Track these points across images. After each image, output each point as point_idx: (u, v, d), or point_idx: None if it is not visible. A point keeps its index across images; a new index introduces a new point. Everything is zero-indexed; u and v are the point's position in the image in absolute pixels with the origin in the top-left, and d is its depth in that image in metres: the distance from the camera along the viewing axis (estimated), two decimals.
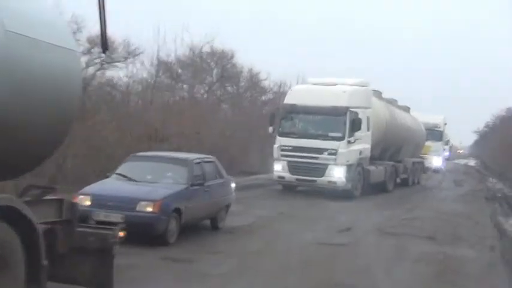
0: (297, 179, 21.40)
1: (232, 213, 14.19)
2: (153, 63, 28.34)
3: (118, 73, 27.45)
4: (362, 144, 21.88)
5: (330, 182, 20.94)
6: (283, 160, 21.52)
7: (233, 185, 13.91)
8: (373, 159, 23.50)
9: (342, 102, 21.08)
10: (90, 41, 25.94)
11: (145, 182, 11.75)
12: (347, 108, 21.04)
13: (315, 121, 21.64)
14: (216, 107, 33.40)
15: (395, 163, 25.62)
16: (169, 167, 12.21)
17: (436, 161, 41.80)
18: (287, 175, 21.47)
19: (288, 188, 22.21)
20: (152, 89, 27.35)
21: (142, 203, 10.77)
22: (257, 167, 28.38)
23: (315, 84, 22.60)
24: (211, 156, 13.54)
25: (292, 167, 21.32)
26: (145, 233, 10.65)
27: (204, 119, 26.71)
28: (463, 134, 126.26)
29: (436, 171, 41.29)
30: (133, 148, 17.65)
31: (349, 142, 21.02)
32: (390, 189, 24.70)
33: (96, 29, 25.58)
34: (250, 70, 37.42)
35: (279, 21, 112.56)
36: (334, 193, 20.89)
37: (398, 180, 26.94)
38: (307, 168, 21.08)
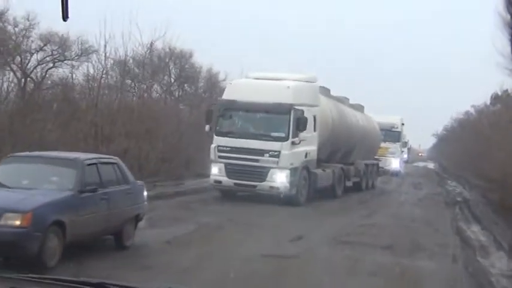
0: (235, 184, 19.15)
1: (175, 219, 13.32)
2: (99, 60, 26.61)
3: (73, 71, 26.90)
4: (308, 145, 19.76)
5: (271, 187, 18.79)
6: (221, 162, 19.26)
7: (145, 192, 11.56)
8: (320, 161, 21.45)
9: (285, 99, 18.93)
10: (43, 38, 26.17)
11: (20, 188, 9.30)
12: (291, 105, 18.90)
13: (256, 119, 19.48)
14: (174, 108, 32.03)
15: (344, 165, 23.57)
16: (54, 169, 9.80)
17: (393, 163, 40.39)
18: (224, 179, 19.22)
19: (226, 194, 19.95)
20: (99, 87, 25.56)
21: (8, 214, 8.34)
22: None
23: (256, 78, 20.38)
24: (113, 157, 11.17)
25: (230, 171, 19.10)
26: (12, 254, 8.26)
27: (157, 120, 25.42)
28: (422, 137, 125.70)
29: (394, 174, 39.82)
30: (74, 147, 17.44)
31: (293, 143, 18.87)
32: (339, 194, 22.66)
33: (48, 27, 25.76)
34: (210, 70, 36.64)
35: (240, 20, 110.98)
36: (278, 199, 18.77)
37: (350, 184, 24.99)
38: (247, 172, 18.89)
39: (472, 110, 48.41)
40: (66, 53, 27.00)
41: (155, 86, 33.02)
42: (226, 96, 19.90)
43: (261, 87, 19.45)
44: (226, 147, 19.21)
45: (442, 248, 13.38)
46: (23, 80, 25.75)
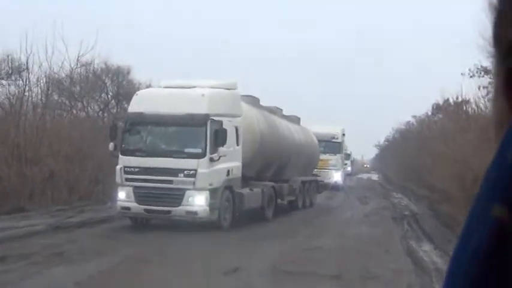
0: (146, 210, 16.26)
1: (95, 252, 11.98)
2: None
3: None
4: (230, 161, 17.08)
5: (188, 212, 15.99)
6: (128, 186, 16.35)
7: None
8: (248, 179, 18.85)
9: (200, 109, 16.22)
10: None
11: None
12: (207, 115, 16.20)
13: (167, 134, 16.77)
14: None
15: (276, 184, 20.94)
16: None
17: (335, 176, 38.03)
18: (133, 205, 16.31)
19: (137, 223, 17.05)
20: (20, 106, 23.94)
21: None
22: None
23: (167, 87, 17.60)
24: None
25: (140, 195, 16.22)
26: None
27: (88, 139, 23.81)
28: (364, 148, 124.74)
29: (336, 187, 37.39)
30: None
31: (211, 160, 16.14)
32: (269, 217, 19.95)
33: None
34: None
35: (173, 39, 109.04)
36: (198, 226, 16.02)
37: (285, 202, 22.46)
38: (159, 196, 16.07)
39: (413, 120, 47.52)
40: None
41: (92, 103, 31.73)
42: (132, 108, 17.04)
43: (172, 97, 16.69)
44: (134, 167, 16.34)
45: (395, 275, 11.57)
46: None
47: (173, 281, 10.50)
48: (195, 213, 15.93)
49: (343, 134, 39.86)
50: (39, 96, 26.19)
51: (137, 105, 16.84)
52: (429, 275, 11.51)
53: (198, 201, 15.92)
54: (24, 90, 24.75)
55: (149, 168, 16.14)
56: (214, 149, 16.17)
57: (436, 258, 13.43)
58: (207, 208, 15.97)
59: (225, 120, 16.73)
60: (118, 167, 16.58)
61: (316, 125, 34.66)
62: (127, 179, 16.35)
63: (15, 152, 21.40)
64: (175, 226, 16.46)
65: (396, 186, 45.82)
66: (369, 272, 11.67)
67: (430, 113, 40.79)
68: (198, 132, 16.17)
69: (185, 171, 15.90)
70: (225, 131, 16.40)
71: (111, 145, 16.81)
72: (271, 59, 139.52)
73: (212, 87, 17.17)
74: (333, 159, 37.55)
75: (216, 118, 16.34)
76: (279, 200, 21.38)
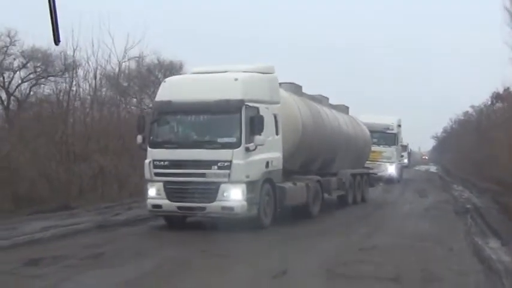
0: (179, 208, 14.82)
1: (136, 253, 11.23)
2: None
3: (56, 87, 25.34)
4: (269, 152, 15.50)
5: (224, 207, 14.46)
6: (158, 181, 14.93)
7: None
8: (291, 173, 17.26)
9: (233, 94, 14.70)
10: (25, 55, 25.35)
11: None
12: (242, 101, 14.65)
13: (199, 123, 15.23)
14: None
15: (323, 177, 19.25)
16: None
17: (389, 169, 36.28)
18: (165, 202, 14.89)
19: (172, 222, 15.67)
20: (68, 103, 23.93)
21: None
22: None
23: (197, 73, 16.11)
24: None
25: (171, 191, 14.82)
26: None
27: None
28: (421, 140, 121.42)
29: (390, 181, 35.59)
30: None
31: (247, 150, 14.57)
32: (314, 214, 18.24)
33: (29, 43, 25.14)
34: None
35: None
36: (236, 223, 14.60)
37: (333, 197, 20.84)
38: (192, 191, 14.63)
39: (471, 111, 46.74)
40: (49, 69, 25.78)
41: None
42: (160, 97, 15.58)
43: (202, 83, 15.18)
44: (164, 161, 14.92)
45: (461, 277, 10.07)
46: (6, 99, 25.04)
47: (218, 286, 9.39)
48: (232, 208, 14.38)
49: (399, 125, 37.86)
50: (88, 92, 26.11)
51: (165, 93, 15.38)
52: (499, 276, 9.87)
53: (234, 196, 14.38)
54: (71, 85, 24.55)
55: (180, 161, 14.69)
56: (250, 138, 14.58)
57: (505, 256, 11.72)
58: (245, 203, 14.41)
59: (261, 106, 15.17)
60: (146, 161, 15.17)
61: (369, 114, 33.45)
62: (156, 174, 14.92)
63: (63, 148, 21.37)
64: (215, 224, 15.10)
65: (456, 178, 43.83)
66: (432, 274, 10.15)
67: (489, 103, 39.64)
68: (231, 119, 14.62)
69: (219, 163, 14.38)
70: (262, 118, 14.86)
71: (139, 138, 15.35)
72: (320, 48, 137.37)
73: (246, 72, 15.57)
74: (388, 151, 35.90)
75: (251, 104, 14.79)
76: (326, 195, 19.69)
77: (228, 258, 11.48)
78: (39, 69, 25.96)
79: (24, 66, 25.58)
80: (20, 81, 25.58)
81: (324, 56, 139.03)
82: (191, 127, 15.22)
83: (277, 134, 16.06)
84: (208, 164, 14.44)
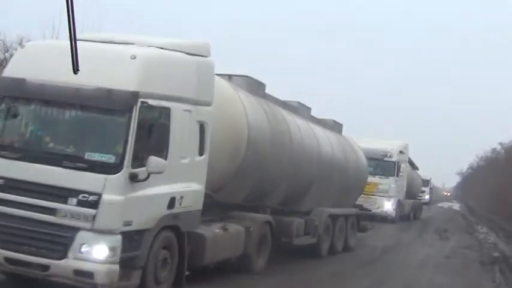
0: (7, 260, 8.83)
1: None
2: None
3: None
4: (180, 181, 9.60)
5: (79, 271, 8.52)
6: None
7: None
8: (229, 208, 11.49)
9: (123, 81, 8.76)
10: None
11: None
12: (135, 95, 8.68)
13: (61, 122, 9.19)
14: None
15: (281, 217, 13.44)
16: None
17: (385, 206, 30.19)
18: None
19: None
20: None
21: None
22: None
23: (83, 40, 9.91)
24: None
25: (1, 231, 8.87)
26: None
27: None
28: (446, 176, 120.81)
29: (385, 219, 29.66)
30: None
31: (133, 178, 8.61)
32: (257, 269, 12.52)
33: None
34: None
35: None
36: None
37: (305, 243, 15.10)
38: (32, 236, 8.70)
39: (499, 148, 45.05)
40: None
41: None
42: (10, 71, 9.52)
43: (82, 57, 9.07)
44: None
45: None
46: None
47: None
48: (90, 275, 8.44)
49: (401, 152, 31.55)
50: None
51: (19, 67, 9.38)
52: None
53: (97, 253, 8.45)
54: None
55: (20, 181, 8.74)
56: (141, 159, 8.64)
57: None
58: (114, 267, 8.48)
59: (175, 107, 9.29)
60: None
61: (370, 138, 28.85)
62: None
63: None
64: None
65: (481, 218, 41.75)
66: None
67: None
68: (113, 124, 8.74)
69: (81, 195, 8.45)
70: (166, 127, 8.96)
71: None
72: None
73: (154, 47, 9.53)
74: (384, 183, 29.87)
75: (153, 102, 8.84)
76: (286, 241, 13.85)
77: None
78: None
79: None
80: None
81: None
82: (48, 128, 9.20)
83: (201, 153, 10.14)
84: (63, 193, 8.52)
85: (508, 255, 19.58)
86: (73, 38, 3.70)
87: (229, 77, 12.38)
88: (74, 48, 3.67)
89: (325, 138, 16.71)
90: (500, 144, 43.98)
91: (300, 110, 16.09)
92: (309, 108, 17.00)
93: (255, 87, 13.26)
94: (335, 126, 18.85)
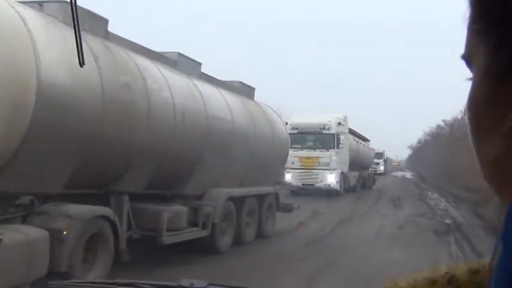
0: None
1: None
2: None
3: None
4: None
5: None
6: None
7: None
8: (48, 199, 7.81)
9: None
10: None
11: None
12: None
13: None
14: None
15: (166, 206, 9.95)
16: None
17: (329, 179, 28.80)
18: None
19: None
20: None
21: None
22: None
23: None
24: None
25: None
26: None
27: None
28: (399, 149, 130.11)
29: (330, 193, 28.15)
30: None
31: None
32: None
33: None
34: None
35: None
36: None
37: (193, 237, 11.38)
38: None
39: (443, 124, 49.83)
40: None
41: None
42: None
43: None
44: None
45: None
46: None
47: None
48: None
49: (340, 123, 29.76)
50: None
51: None
52: None
53: None
54: None
55: None
56: None
57: None
58: None
59: None
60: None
61: (306, 114, 29.21)
62: None
63: None
64: None
65: (431, 184, 44.87)
66: None
67: (460, 117, 38.89)
68: None
69: None
70: None
71: None
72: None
73: None
74: (324, 156, 28.29)
75: None
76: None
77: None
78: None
79: None
80: None
81: None
82: None
83: None
84: None
85: (459, 221, 19.58)
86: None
87: (41, 5, 8.41)
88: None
89: (220, 102, 12.68)
90: (444, 121, 48.98)
91: (181, 63, 12.01)
92: (198, 64, 12.90)
93: (86, 19, 8.94)
94: (243, 90, 14.88)
